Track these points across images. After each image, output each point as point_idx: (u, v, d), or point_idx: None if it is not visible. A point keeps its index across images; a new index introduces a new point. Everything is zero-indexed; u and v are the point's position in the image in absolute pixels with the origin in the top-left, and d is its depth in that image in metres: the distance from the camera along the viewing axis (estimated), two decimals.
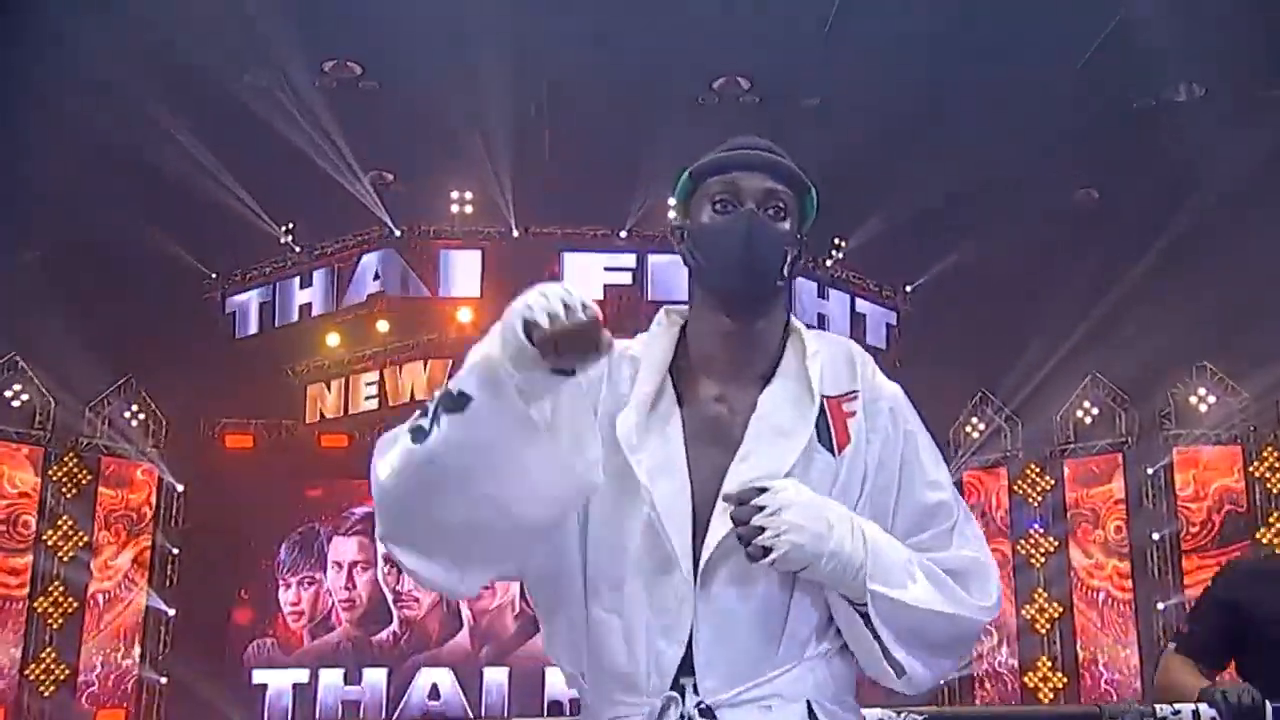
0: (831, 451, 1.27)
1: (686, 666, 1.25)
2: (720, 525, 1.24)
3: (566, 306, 1.10)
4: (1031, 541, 8.57)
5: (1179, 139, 7.68)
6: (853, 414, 1.30)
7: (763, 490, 1.21)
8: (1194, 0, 6.52)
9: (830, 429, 1.28)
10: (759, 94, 7.99)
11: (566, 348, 1.10)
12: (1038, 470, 8.73)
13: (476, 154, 8.61)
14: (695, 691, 1.24)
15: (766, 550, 1.19)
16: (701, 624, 1.25)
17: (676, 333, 1.35)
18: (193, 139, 7.79)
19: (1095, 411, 8.70)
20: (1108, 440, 8.82)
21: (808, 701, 1.26)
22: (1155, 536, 8.36)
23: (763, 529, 1.19)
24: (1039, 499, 8.71)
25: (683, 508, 1.26)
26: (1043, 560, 8.57)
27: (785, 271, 1.33)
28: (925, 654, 1.28)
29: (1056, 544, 8.60)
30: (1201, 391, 8.84)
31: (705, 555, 1.24)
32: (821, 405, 1.28)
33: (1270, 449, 8.58)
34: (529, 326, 1.10)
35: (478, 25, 6.77)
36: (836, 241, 9.24)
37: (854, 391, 1.32)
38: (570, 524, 1.28)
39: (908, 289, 9.54)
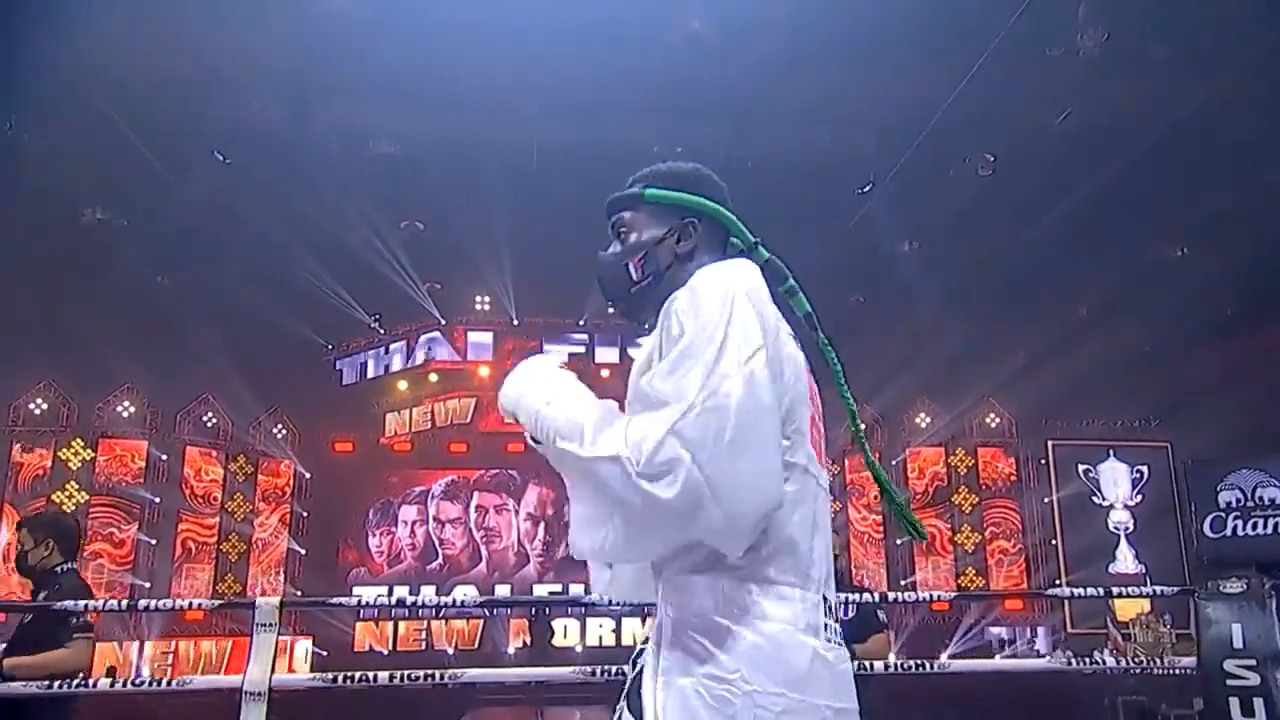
0: None
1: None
2: None
3: None
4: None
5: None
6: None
7: None
8: None
9: None
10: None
11: None
12: (830, 460, 12.04)
13: (493, 273, 10.84)
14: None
15: None
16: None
17: None
18: (322, 268, 10.07)
19: (864, 426, 12.02)
20: (873, 444, 12.05)
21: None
22: None
23: None
24: (830, 480, 11.97)
25: None
26: (833, 516, 11.81)
27: (636, 276, 1.42)
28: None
29: (840, 506, 12.03)
30: (922, 415, 12.69)
31: None
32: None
33: (959, 449, 12.64)
34: None
35: (503, 194, 8.78)
36: None
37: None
38: None
39: None
